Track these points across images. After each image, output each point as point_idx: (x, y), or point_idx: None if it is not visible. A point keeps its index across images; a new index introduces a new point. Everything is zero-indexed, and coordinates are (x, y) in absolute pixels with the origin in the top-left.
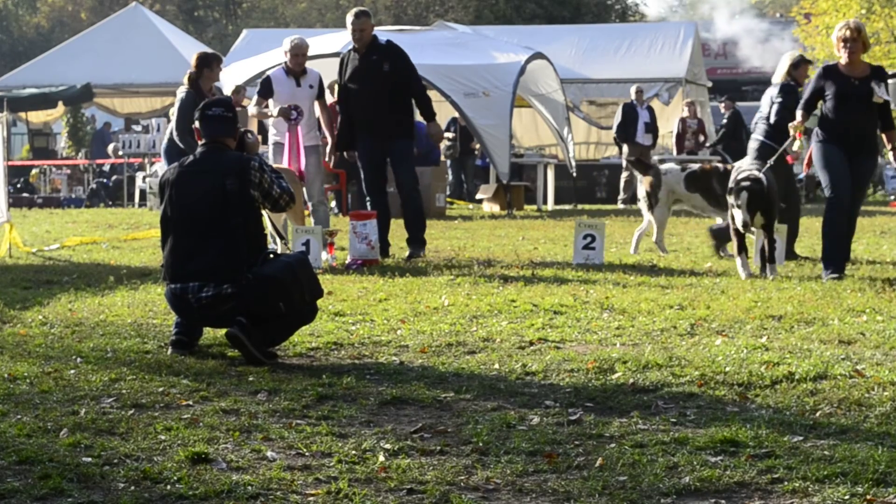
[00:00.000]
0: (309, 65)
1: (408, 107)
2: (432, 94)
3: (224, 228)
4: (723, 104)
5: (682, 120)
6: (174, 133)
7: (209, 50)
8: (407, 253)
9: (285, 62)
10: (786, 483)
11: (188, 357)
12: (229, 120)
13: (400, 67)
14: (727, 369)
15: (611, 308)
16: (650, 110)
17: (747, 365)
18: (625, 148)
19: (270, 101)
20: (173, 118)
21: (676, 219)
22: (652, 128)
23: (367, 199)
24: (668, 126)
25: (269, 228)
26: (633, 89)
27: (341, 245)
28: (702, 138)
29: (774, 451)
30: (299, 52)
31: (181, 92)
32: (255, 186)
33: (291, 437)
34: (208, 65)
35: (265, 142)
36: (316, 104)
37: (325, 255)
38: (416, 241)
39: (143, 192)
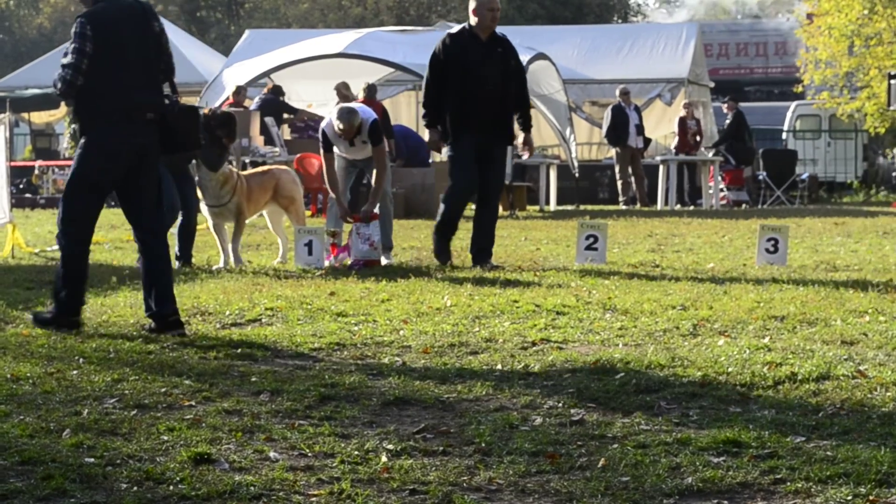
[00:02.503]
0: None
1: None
2: None
3: None
4: (725, 105)
5: (682, 120)
6: None
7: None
8: (474, 260)
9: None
10: (788, 484)
11: (191, 357)
12: None
13: (520, 68)
14: (730, 370)
15: (613, 308)
16: (638, 112)
17: (750, 365)
18: (615, 151)
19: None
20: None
21: (679, 219)
22: (642, 129)
23: (452, 199)
24: (671, 127)
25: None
26: (618, 91)
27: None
28: (699, 138)
29: (777, 452)
30: (349, 130)
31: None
32: None
33: (294, 437)
34: None
35: (268, 142)
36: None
37: (329, 259)
38: (489, 251)
39: None
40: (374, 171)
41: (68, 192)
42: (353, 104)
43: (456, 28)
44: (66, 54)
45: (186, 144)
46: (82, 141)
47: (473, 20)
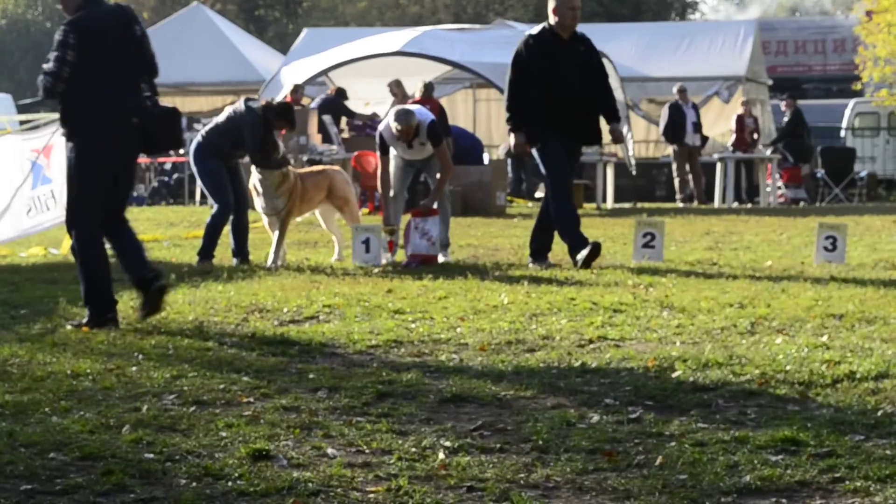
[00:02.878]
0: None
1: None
2: (492, 92)
3: None
4: (784, 102)
5: (740, 118)
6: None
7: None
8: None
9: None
10: (847, 482)
11: (249, 354)
12: None
13: (601, 65)
14: (788, 368)
15: (670, 306)
16: (696, 109)
17: (808, 364)
18: (672, 148)
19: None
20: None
21: (736, 217)
22: (700, 127)
23: (562, 200)
24: (728, 124)
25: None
26: (675, 89)
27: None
28: (756, 136)
29: (836, 451)
30: (407, 132)
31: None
32: None
33: (351, 434)
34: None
35: (326, 140)
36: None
37: (386, 256)
38: (549, 249)
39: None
40: (439, 170)
41: (80, 206)
42: (409, 105)
43: (537, 28)
44: (47, 60)
45: (166, 145)
46: (71, 147)
47: (553, 19)
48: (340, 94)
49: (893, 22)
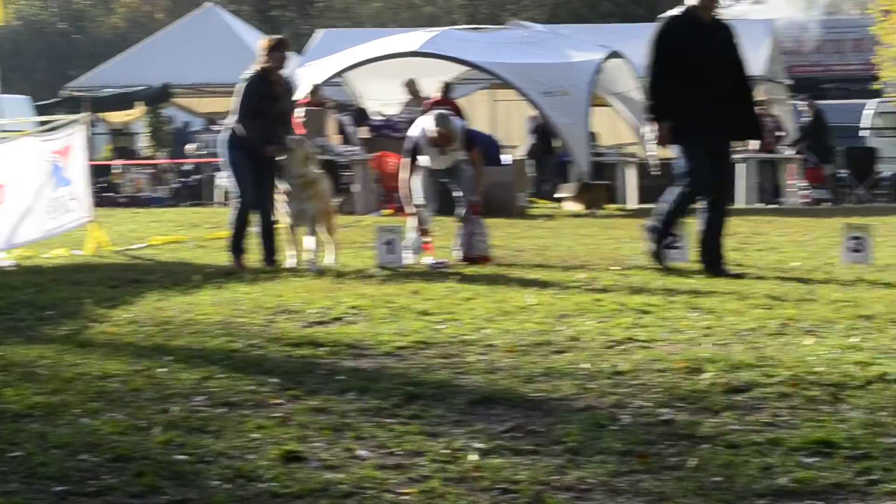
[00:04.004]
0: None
1: None
2: (511, 92)
3: None
4: (804, 102)
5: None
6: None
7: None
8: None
9: (430, 131)
10: (883, 485)
11: (276, 355)
12: None
13: (742, 53)
14: (819, 369)
15: (698, 307)
16: None
17: (839, 365)
18: None
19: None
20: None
21: (760, 217)
22: None
23: (684, 200)
24: None
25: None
26: None
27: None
28: (782, 133)
29: (870, 453)
30: (446, 135)
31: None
32: None
33: (382, 435)
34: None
35: (346, 141)
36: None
37: (429, 259)
38: (722, 257)
39: (224, 192)
40: (466, 175)
41: None
42: (442, 110)
43: (676, 10)
44: None
45: None
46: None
47: (694, 0)
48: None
49: None
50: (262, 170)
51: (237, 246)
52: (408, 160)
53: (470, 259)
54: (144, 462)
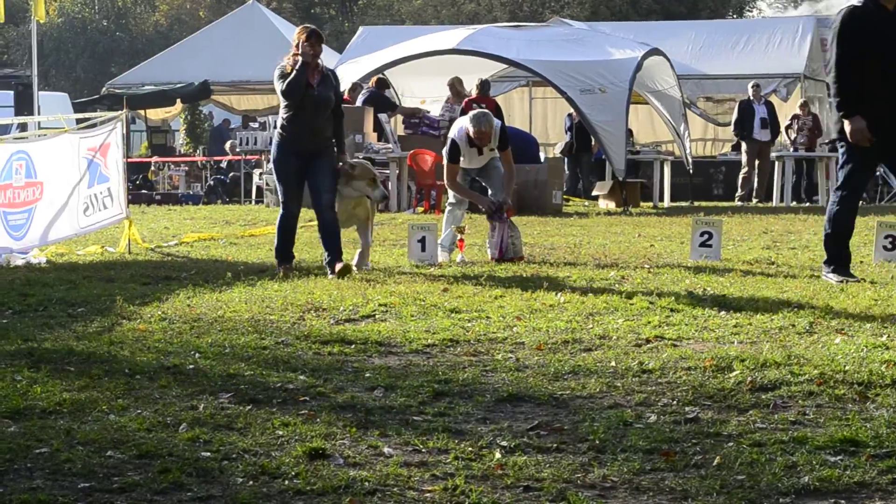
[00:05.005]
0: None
1: None
2: (548, 90)
3: None
4: None
5: (795, 117)
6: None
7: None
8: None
9: (469, 131)
10: None
11: (305, 353)
12: None
13: None
14: (847, 368)
15: (728, 306)
16: (769, 106)
17: (867, 364)
18: (743, 145)
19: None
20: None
21: (794, 216)
22: (769, 123)
23: (837, 207)
24: (785, 122)
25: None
26: (749, 86)
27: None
28: (817, 133)
29: (895, 452)
30: (487, 133)
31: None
32: None
33: (408, 433)
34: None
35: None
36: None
37: (460, 256)
38: None
39: (259, 189)
40: (499, 173)
41: None
42: (481, 109)
43: (856, 0)
44: None
45: None
46: None
47: None
48: (381, 84)
49: None
50: (315, 170)
51: (281, 252)
52: (449, 163)
53: (505, 260)
54: (170, 459)
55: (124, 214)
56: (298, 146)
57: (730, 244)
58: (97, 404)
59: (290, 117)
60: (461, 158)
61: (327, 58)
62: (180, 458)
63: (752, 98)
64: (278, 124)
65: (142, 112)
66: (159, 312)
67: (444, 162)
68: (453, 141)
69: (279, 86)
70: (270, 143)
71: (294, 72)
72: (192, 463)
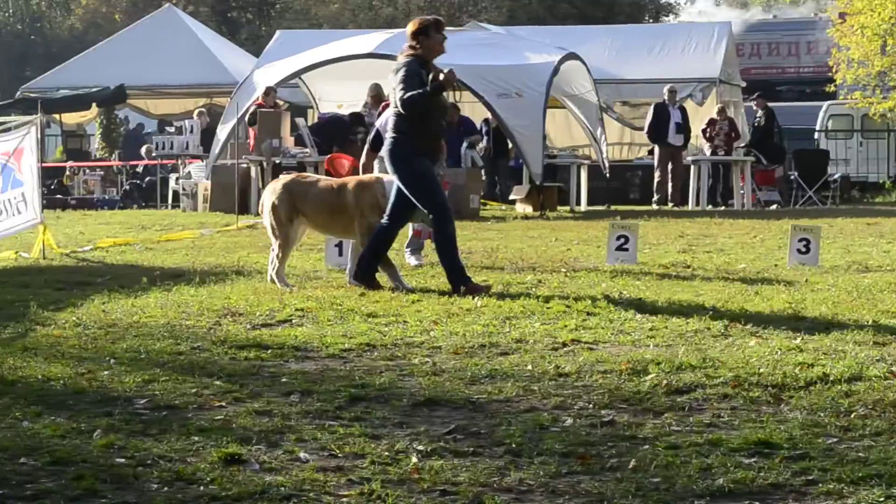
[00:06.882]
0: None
1: None
2: (465, 94)
3: None
4: (755, 102)
5: (712, 121)
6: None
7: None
8: None
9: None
10: (820, 485)
11: (221, 358)
12: None
13: None
14: (761, 371)
15: (644, 309)
16: (682, 110)
17: (781, 366)
18: (656, 149)
19: None
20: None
21: (710, 220)
22: (684, 128)
23: None
24: (702, 126)
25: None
26: (665, 89)
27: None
28: (734, 136)
29: (809, 453)
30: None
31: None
32: None
33: (324, 438)
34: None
35: (299, 143)
36: None
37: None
38: None
39: (175, 194)
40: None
41: None
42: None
43: None
44: None
45: None
46: None
47: None
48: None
49: (867, 24)
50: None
51: (454, 271)
52: (370, 151)
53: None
54: (84, 465)
55: (38, 220)
56: (430, 151)
57: (646, 248)
58: (10, 411)
59: (421, 124)
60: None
61: (244, 61)
62: (95, 464)
63: (667, 102)
64: (401, 130)
65: (57, 116)
66: (74, 318)
67: (366, 150)
68: (378, 130)
69: (411, 94)
70: (186, 148)
71: (435, 83)
72: (106, 469)
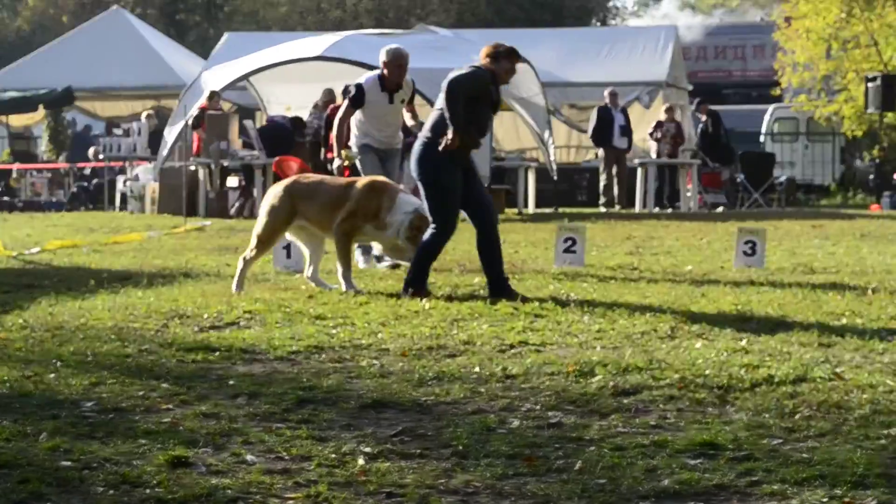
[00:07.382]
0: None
1: None
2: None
3: None
4: (698, 109)
5: (659, 123)
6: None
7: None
8: None
9: (382, 72)
10: (764, 486)
11: (168, 360)
12: None
13: None
14: (707, 372)
15: (591, 311)
16: (625, 113)
17: (727, 368)
18: (600, 152)
19: (359, 112)
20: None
21: (657, 222)
22: (627, 131)
23: None
24: (649, 129)
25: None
26: (606, 93)
27: None
28: (679, 140)
29: (753, 454)
30: (401, 63)
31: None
32: None
33: (271, 440)
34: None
35: (247, 145)
36: (404, 111)
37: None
38: None
39: (123, 196)
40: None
41: None
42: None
43: None
44: None
45: None
46: None
47: None
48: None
49: (812, 28)
50: (469, 180)
51: (417, 278)
52: (349, 106)
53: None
54: (29, 468)
55: None
56: (463, 160)
57: (593, 250)
58: None
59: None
60: (362, 116)
61: (192, 63)
62: (40, 467)
63: (609, 105)
64: (438, 132)
65: (3, 118)
66: (20, 320)
67: (344, 105)
68: (360, 85)
69: (458, 103)
70: (134, 150)
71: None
72: (52, 472)
